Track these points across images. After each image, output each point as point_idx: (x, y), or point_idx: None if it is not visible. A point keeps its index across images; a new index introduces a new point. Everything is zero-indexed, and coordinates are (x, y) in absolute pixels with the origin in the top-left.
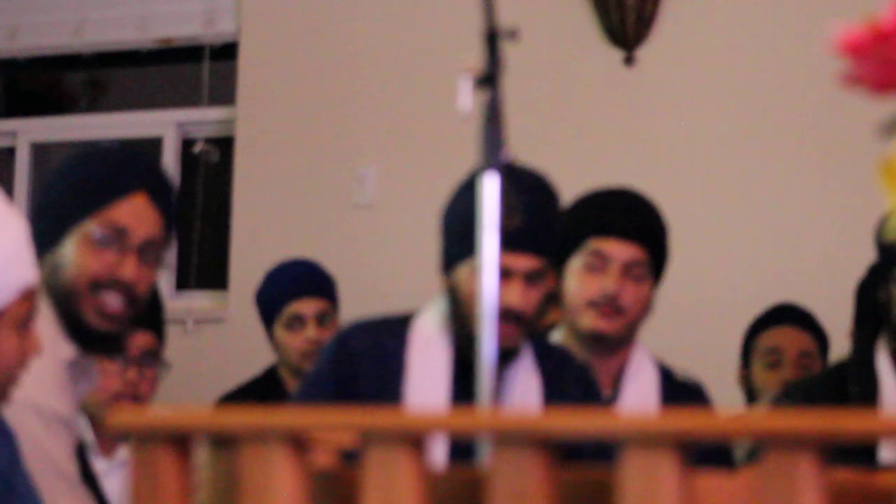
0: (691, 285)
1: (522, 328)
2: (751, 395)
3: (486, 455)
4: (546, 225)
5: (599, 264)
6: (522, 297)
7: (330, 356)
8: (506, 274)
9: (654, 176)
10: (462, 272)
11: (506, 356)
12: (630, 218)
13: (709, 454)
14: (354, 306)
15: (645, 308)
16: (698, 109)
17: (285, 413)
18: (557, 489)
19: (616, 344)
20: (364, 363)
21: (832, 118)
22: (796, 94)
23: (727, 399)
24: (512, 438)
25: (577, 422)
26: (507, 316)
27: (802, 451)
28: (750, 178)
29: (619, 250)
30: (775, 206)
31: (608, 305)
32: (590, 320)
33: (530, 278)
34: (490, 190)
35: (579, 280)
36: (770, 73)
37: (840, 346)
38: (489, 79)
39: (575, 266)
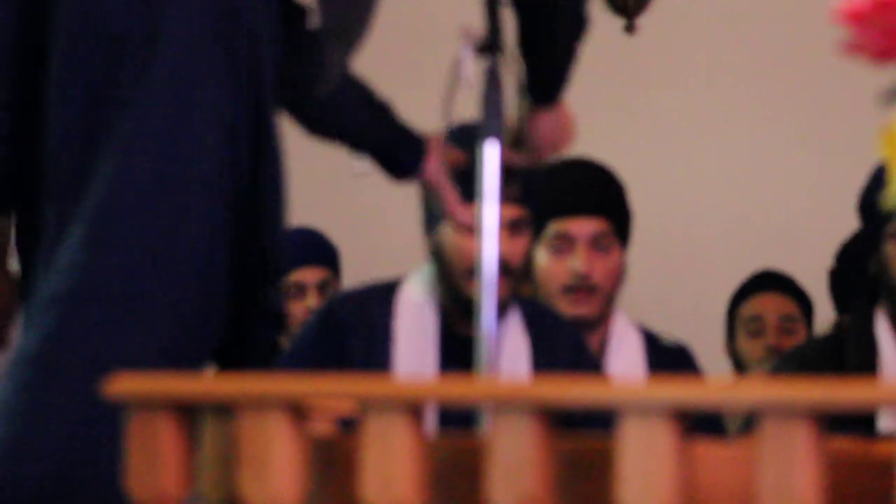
0: (692, 255)
1: (509, 280)
2: (738, 365)
3: (483, 423)
4: (528, 177)
5: (565, 246)
6: (508, 247)
7: (315, 328)
8: None
9: (653, 144)
10: (445, 228)
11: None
12: (585, 192)
13: (700, 422)
14: (355, 275)
15: (618, 277)
16: (698, 78)
17: (284, 381)
18: (556, 457)
19: (596, 322)
20: (350, 333)
21: (829, 86)
22: (795, 62)
23: (716, 368)
24: (510, 406)
25: (576, 390)
26: None
27: (800, 420)
28: (748, 145)
29: (581, 227)
30: (776, 173)
31: (581, 287)
32: (567, 307)
33: (514, 227)
34: (490, 158)
35: (548, 265)
36: (769, 42)
37: (827, 309)
38: (490, 47)
39: (541, 251)
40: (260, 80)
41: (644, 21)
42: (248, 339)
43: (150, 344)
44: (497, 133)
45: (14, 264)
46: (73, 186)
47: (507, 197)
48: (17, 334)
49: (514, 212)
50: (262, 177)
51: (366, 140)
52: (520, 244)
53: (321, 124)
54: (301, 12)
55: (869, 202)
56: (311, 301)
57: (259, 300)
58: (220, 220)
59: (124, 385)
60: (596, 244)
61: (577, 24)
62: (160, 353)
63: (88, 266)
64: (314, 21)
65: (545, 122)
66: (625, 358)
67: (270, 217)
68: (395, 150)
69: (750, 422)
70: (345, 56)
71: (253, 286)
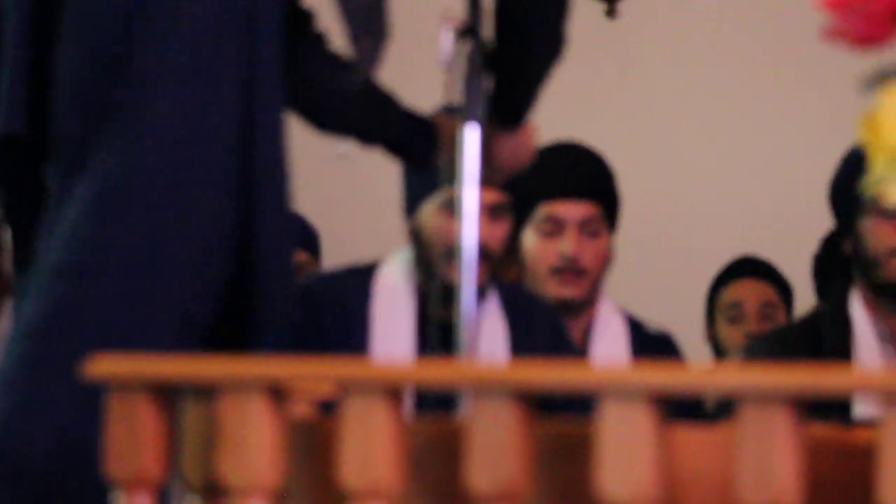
0: (673, 240)
1: (488, 265)
2: (718, 351)
3: (460, 406)
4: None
5: (554, 228)
6: (487, 232)
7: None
8: None
9: (635, 129)
10: (425, 211)
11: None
12: (576, 176)
13: (680, 406)
14: (335, 258)
15: (605, 262)
16: (680, 62)
17: (264, 363)
18: (535, 441)
19: (582, 305)
20: (326, 316)
21: (813, 71)
22: (777, 46)
23: (697, 353)
24: (490, 390)
25: (556, 374)
26: None
27: (779, 406)
28: (730, 131)
29: (571, 210)
30: (758, 159)
31: (569, 270)
32: (554, 288)
33: (494, 212)
34: (471, 141)
35: (537, 248)
36: (753, 26)
37: (807, 296)
38: (471, 30)
39: (529, 233)
40: (270, 69)
41: (628, 4)
42: (243, 321)
43: (154, 320)
44: (477, 117)
45: (6, 262)
46: (79, 155)
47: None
48: (2, 327)
49: (495, 196)
50: (261, 160)
51: (377, 134)
52: (499, 229)
53: (331, 121)
54: (307, 16)
55: (842, 185)
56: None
57: (254, 283)
58: (225, 203)
59: (104, 366)
60: (585, 228)
61: (553, 47)
62: (163, 329)
63: (95, 239)
64: (321, 24)
65: (506, 144)
66: (609, 343)
67: (269, 200)
68: (409, 141)
69: (723, 406)
70: (376, 47)
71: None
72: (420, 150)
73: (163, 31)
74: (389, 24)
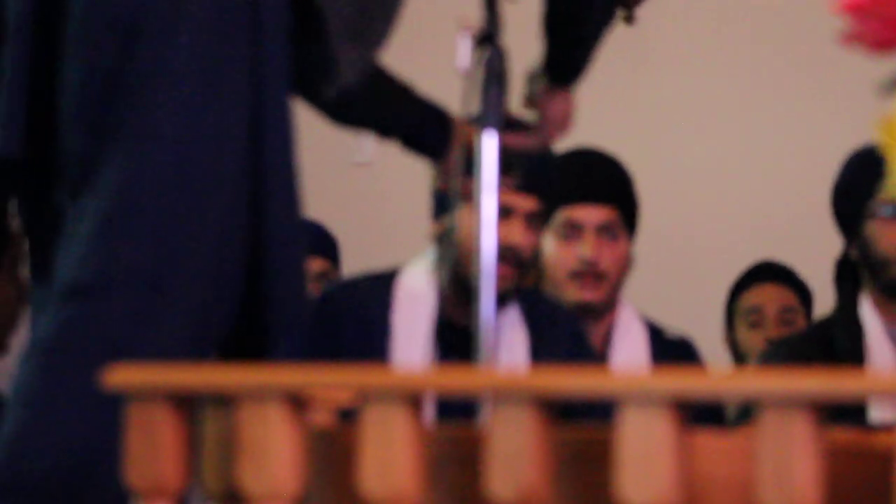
0: (692, 245)
1: (518, 270)
2: (738, 356)
3: (481, 413)
4: (545, 169)
5: (572, 232)
6: (524, 238)
7: (309, 318)
8: (507, 213)
9: (654, 135)
10: (464, 213)
11: (498, 300)
12: (594, 180)
13: (700, 412)
14: (355, 266)
15: (625, 265)
16: (698, 66)
17: (283, 371)
18: (555, 448)
19: (602, 309)
20: (345, 324)
21: (831, 75)
22: (796, 53)
23: (717, 359)
24: (510, 397)
25: (576, 380)
26: (506, 256)
27: (799, 411)
28: (750, 135)
29: (590, 215)
30: (777, 163)
31: (588, 273)
32: (574, 292)
33: (530, 220)
34: (489, 148)
35: (556, 252)
36: (771, 33)
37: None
38: (488, 37)
39: (549, 238)
40: (277, 72)
41: (648, 7)
42: (257, 329)
43: (166, 333)
44: (496, 124)
45: (25, 271)
46: (88, 172)
47: (510, 183)
48: (20, 336)
49: (534, 204)
50: (271, 163)
51: (394, 126)
52: (533, 237)
53: (346, 115)
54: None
55: (846, 190)
56: (311, 292)
57: (266, 290)
58: (236, 212)
59: (123, 376)
60: (604, 232)
61: (608, 7)
62: (176, 342)
63: (105, 256)
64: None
65: (558, 104)
66: (629, 349)
67: (279, 203)
68: (424, 132)
69: (746, 411)
70: (363, 57)
71: (262, 277)
72: (435, 140)
73: (165, 41)
74: (381, 34)
